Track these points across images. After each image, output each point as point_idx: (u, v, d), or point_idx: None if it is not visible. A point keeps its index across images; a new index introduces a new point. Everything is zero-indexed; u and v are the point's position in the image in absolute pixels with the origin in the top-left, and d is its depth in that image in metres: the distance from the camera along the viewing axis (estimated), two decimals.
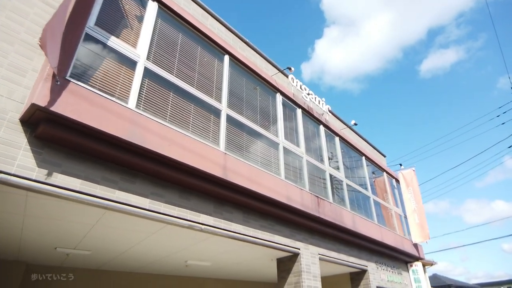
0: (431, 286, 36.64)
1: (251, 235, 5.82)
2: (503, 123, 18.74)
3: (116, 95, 4.37)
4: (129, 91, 4.52)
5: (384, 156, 13.56)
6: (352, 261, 8.40)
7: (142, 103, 4.65)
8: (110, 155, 4.13)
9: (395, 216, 11.20)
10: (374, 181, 11.73)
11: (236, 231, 5.58)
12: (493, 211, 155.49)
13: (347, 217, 8.00)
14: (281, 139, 7.06)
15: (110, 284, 8.53)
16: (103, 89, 4.25)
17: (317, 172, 8.06)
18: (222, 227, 5.36)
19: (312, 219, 7.03)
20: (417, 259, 11.30)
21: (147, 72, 4.90)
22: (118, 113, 4.17)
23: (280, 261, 7.26)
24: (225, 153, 5.42)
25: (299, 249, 6.79)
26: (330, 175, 8.38)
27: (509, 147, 16.12)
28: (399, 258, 10.77)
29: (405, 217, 11.55)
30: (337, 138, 9.51)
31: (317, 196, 7.20)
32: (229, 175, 5.22)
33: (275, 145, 6.91)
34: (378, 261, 9.63)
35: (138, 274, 9.07)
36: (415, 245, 11.21)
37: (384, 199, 11.33)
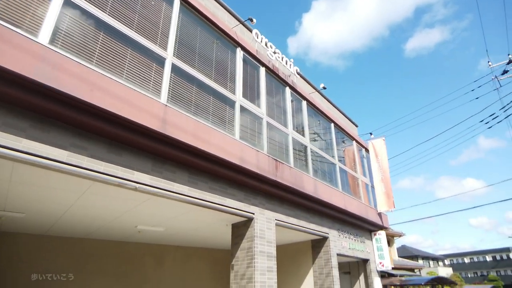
0: (400, 256, 38.23)
1: (198, 197, 5.37)
2: (477, 98, 18.80)
3: (24, 27, 3.65)
4: (40, 23, 3.80)
5: (356, 126, 13.28)
6: (312, 228, 8.19)
7: (60, 40, 3.95)
8: (13, 97, 3.48)
9: (362, 185, 11.06)
10: (343, 150, 11.48)
11: (180, 192, 5.10)
12: (464, 187, 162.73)
13: (308, 183, 7.68)
14: (238, 97, 6.50)
15: (60, 250, 8.04)
16: (6, 18, 3.52)
17: (279, 135, 7.61)
18: (162, 187, 4.87)
19: (269, 183, 6.64)
20: (381, 228, 11.33)
21: (70, 4, 4.16)
22: (24, 48, 3.48)
23: (234, 227, 6.93)
24: (166, 105, 4.83)
25: (253, 213, 6.43)
26: (294, 140, 7.96)
27: (481, 121, 16.08)
28: (363, 227, 10.73)
29: (372, 187, 11.44)
30: (304, 102, 9.03)
31: (276, 160, 6.78)
32: (169, 130, 4.67)
33: (231, 103, 6.35)
34: (341, 229, 9.52)
35: (90, 240, 8.60)
36: (380, 215, 11.18)
37: (353, 168, 11.13)
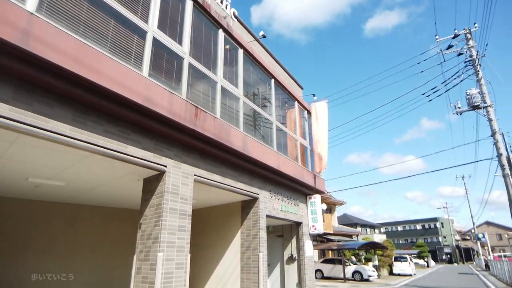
0: (342, 224, 40.07)
1: (86, 140, 4.36)
2: (421, 71, 19.14)
3: None
4: None
5: (301, 88, 12.71)
6: (240, 187, 7.58)
7: None
8: None
9: (300, 148, 10.64)
10: (286, 112, 10.90)
11: (58, 132, 4.06)
12: (405, 164, 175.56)
13: (237, 138, 6.94)
14: (151, 28, 5.40)
15: None
16: None
17: (205, 80, 6.69)
18: (31, 123, 3.80)
19: (187, 133, 5.78)
20: (317, 192, 11.13)
21: None
22: None
23: (146, 181, 6.05)
24: (33, 14, 3.66)
25: (165, 166, 5.58)
26: (224, 89, 7.09)
27: (423, 94, 16.37)
28: (298, 190, 10.42)
29: (311, 150, 11.09)
30: (241, 51, 8.11)
31: (196, 107, 5.90)
32: (34, 46, 3.54)
33: (141, 33, 5.24)
34: (273, 190, 9.06)
35: None
36: (316, 178, 10.93)
37: (293, 130, 10.63)
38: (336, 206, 35.03)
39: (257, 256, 7.85)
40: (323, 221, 27.93)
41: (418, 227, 76.15)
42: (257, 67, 8.91)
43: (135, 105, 4.74)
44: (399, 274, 26.79)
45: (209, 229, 9.44)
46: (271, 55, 10.31)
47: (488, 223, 71.82)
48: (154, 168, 5.47)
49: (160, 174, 5.67)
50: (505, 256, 36.26)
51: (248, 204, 8.46)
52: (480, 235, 43.47)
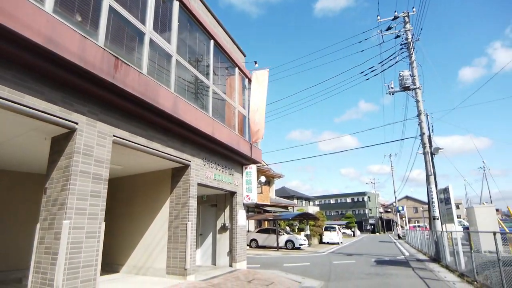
0: (280, 196, 41.37)
1: None
2: (362, 50, 19.69)
3: None
4: None
5: (244, 55, 12.22)
6: (170, 153, 7.06)
7: None
8: None
9: (238, 116, 10.32)
10: (226, 79, 10.39)
11: None
12: (341, 142, 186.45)
13: (166, 99, 6.34)
14: None
15: None
16: None
17: (131, 30, 5.91)
18: None
19: (104, 87, 5.06)
20: (253, 162, 11.01)
21: None
22: None
23: (54, 141, 5.25)
24: None
25: (77, 123, 4.85)
26: (153, 43, 6.36)
27: (361, 72, 16.91)
28: (234, 159, 10.18)
29: (249, 119, 10.82)
30: (176, 3, 7.33)
31: (117, 58, 5.16)
32: None
33: None
34: (207, 158, 8.69)
35: None
36: (253, 148, 10.77)
37: (232, 97, 10.21)
38: (275, 179, 36.00)
39: (185, 225, 7.52)
40: (261, 193, 28.55)
41: (348, 200, 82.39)
42: (195, 24, 8.20)
43: (33, 45, 3.91)
44: (328, 243, 28.75)
45: (137, 198, 8.84)
46: (212, 14, 9.60)
47: (407, 198, 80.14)
48: (62, 125, 4.72)
49: (70, 133, 4.93)
50: (419, 226, 40.89)
51: (179, 171, 8.00)
52: (400, 208, 48.36)
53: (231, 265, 9.95)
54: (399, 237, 42.41)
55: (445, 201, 11.45)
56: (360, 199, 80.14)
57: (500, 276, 6.42)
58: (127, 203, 8.99)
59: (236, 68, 10.53)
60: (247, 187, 10.72)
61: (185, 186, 7.81)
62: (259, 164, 29.96)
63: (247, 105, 11.04)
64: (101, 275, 8.14)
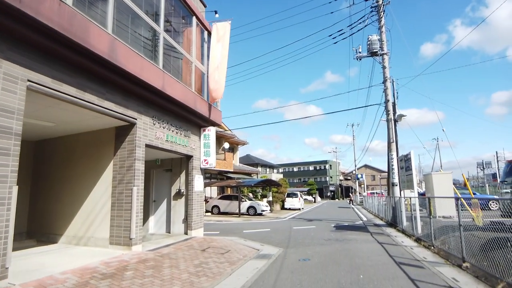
0: (245, 164, 41.05)
1: None
2: (332, 12, 18.83)
3: None
4: None
5: (205, 6, 10.95)
6: (109, 107, 6.04)
7: None
8: None
9: (196, 72, 9.30)
10: (183, 31, 9.20)
11: None
12: (307, 112, 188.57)
13: (101, 40, 5.24)
14: None
15: None
16: None
17: None
18: None
19: (7, 13, 3.89)
20: (212, 124, 10.17)
21: None
22: None
23: None
24: None
25: None
26: None
27: (330, 35, 16.20)
28: (191, 120, 9.27)
29: (208, 76, 9.82)
30: None
31: None
32: None
33: None
34: (158, 117, 7.73)
35: None
36: (212, 109, 9.90)
37: (189, 51, 9.11)
38: (239, 146, 35.46)
39: (130, 190, 6.68)
40: (225, 159, 27.93)
41: (311, 168, 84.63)
42: None
43: None
44: (289, 208, 29.20)
45: (77, 160, 7.76)
46: None
47: (366, 166, 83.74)
48: None
49: None
50: (376, 193, 42.82)
51: (124, 130, 7.01)
52: (359, 176, 50.23)
53: (186, 233, 9.35)
54: (350, 202, 44.77)
55: (406, 167, 11.44)
56: (322, 167, 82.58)
57: (460, 241, 6.32)
58: (66, 166, 7.90)
59: (194, 18, 9.34)
60: (205, 150, 9.94)
61: (131, 147, 6.88)
62: (221, 130, 29.15)
63: (206, 61, 9.99)
64: (35, 246, 7.23)
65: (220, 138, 29.81)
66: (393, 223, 13.84)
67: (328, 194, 76.08)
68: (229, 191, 28.99)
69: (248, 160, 54.71)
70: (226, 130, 29.25)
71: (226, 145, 29.39)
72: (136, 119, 6.86)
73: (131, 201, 6.63)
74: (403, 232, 11.37)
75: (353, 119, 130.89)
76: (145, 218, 10.24)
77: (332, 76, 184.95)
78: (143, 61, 6.44)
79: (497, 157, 50.44)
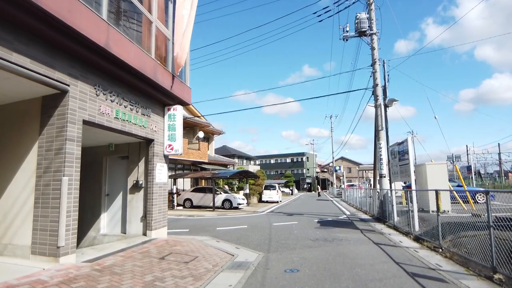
0: (220, 155, 39.30)
1: None
2: None
3: None
4: None
5: None
6: (21, 63, 4.23)
7: None
8: None
9: (157, 36, 7.50)
10: None
11: None
12: (284, 105, 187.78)
13: None
14: None
15: None
16: None
17: None
18: None
19: None
20: (180, 102, 8.44)
21: None
22: None
23: None
24: None
25: None
26: None
27: (314, 13, 14.74)
28: (151, 94, 7.51)
29: (173, 43, 8.06)
30: None
31: None
32: None
33: None
34: (104, 86, 5.93)
35: None
36: (179, 84, 8.16)
37: (150, 9, 7.29)
38: (215, 136, 33.63)
39: (59, 181, 4.91)
40: (199, 149, 26.08)
41: (288, 160, 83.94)
42: None
43: None
44: (267, 201, 27.85)
45: None
46: None
47: (342, 159, 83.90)
48: None
49: None
50: (353, 185, 42.36)
51: (53, 101, 5.19)
52: (337, 168, 49.71)
53: (145, 234, 7.65)
54: (319, 195, 44.48)
55: (400, 156, 10.20)
56: (299, 159, 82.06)
57: (484, 244, 5.04)
58: None
59: None
60: (169, 134, 8.21)
61: (61, 124, 5.08)
62: (194, 118, 27.23)
63: (171, 25, 8.20)
64: None
65: (194, 127, 27.90)
66: (381, 218, 12.69)
67: (305, 186, 75.76)
68: (203, 183, 27.25)
69: (224, 151, 52.97)
70: (200, 117, 27.38)
71: (201, 134, 27.52)
72: (68, 85, 5.06)
73: (59, 196, 4.87)
74: (396, 228, 10.18)
75: (332, 110, 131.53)
76: (97, 216, 8.45)
77: (310, 70, 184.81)
78: (75, 3, 4.63)
79: (467, 150, 51.35)
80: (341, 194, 37.79)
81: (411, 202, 8.83)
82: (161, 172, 7.98)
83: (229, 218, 14.62)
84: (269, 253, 6.78)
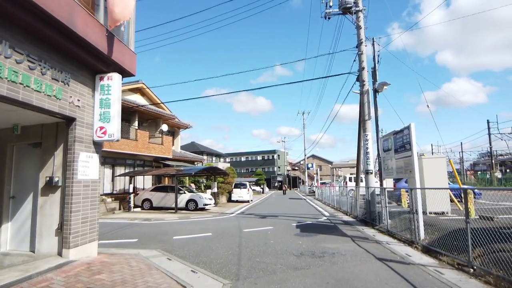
0: (187, 151, 36.66)
1: None
2: None
3: None
4: None
5: None
6: None
7: None
8: None
9: None
10: None
11: None
12: (256, 104, 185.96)
13: None
14: None
15: None
16: None
17: None
18: None
19: None
20: (119, 69, 6.15)
21: None
22: None
23: None
24: None
25: None
26: None
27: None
28: (71, 52, 5.19)
29: None
30: None
31: None
32: None
33: None
34: None
35: None
36: (117, 44, 5.89)
37: None
38: (181, 130, 30.99)
39: None
40: (162, 144, 23.44)
41: (259, 158, 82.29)
42: None
43: None
44: (237, 201, 25.80)
45: None
46: None
47: (313, 156, 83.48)
48: None
49: None
50: (324, 183, 41.29)
51: None
52: (310, 165, 48.56)
53: (60, 253, 5.33)
54: (284, 193, 43.59)
55: (398, 147, 8.49)
56: (270, 157, 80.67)
57: None
58: None
59: None
60: (102, 112, 5.90)
61: None
62: (161, 111, 24.44)
63: None
64: None
65: (157, 119, 25.23)
66: (367, 220, 11.03)
67: (276, 184, 74.49)
68: (166, 181, 24.69)
69: (193, 148, 50.29)
70: (162, 107, 24.79)
71: (164, 127, 24.89)
72: None
73: None
74: (391, 235, 8.49)
75: (305, 106, 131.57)
76: None
77: (282, 70, 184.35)
78: None
79: (432, 149, 52.09)
80: (314, 192, 36.46)
81: (416, 203, 7.11)
82: (87, 165, 5.66)
83: (192, 222, 12.39)
84: (238, 281, 4.70)
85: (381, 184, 10.13)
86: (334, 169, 67.23)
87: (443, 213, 9.52)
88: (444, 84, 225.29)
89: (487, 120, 41.09)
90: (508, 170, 47.29)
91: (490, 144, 41.86)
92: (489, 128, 41.61)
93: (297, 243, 7.62)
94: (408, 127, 7.71)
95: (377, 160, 10.80)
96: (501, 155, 49.79)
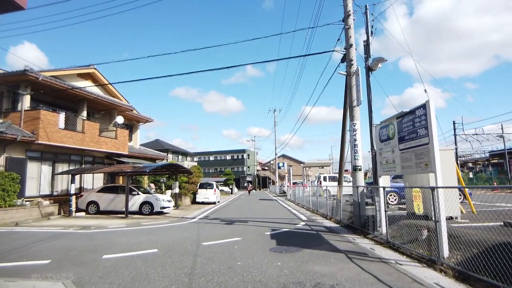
0: (150, 148, 33.46)
1: None
2: None
3: None
4: None
5: None
6: None
7: None
8: None
9: None
10: None
11: None
12: (226, 104, 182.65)
13: None
14: None
15: None
16: None
17: None
18: None
19: None
20: None
21: None
22: None
23: None
24: None
25: None
26: None
27: None
28: None
29: None
30: None
31: None
32: None
33: None
34: None
35: None
36: None
37: None
38: (140, 124, 27.91)
39: None
40: (116, 138, 20.40)
41: (228, 157, 79.75)
42: None
43: None
44: (203, 202, 23.28)
45: None
46: None
47: (284, 156, 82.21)
48: None
49: None
50: (296, 183, 39.62)
51: None
52: (281, 164, 46.84)
53: None
54: (249, 193, 41.36)
55: (406, 134, 6.53)
56: (240, 157, 78.45)
57: None
58: None
59: None
60: None
61: None
62: (116, 101, 21.29)
63: None
64: None
65: (111, 110, 22.09)
66: (356, 226, 9.09)
67: (245, 184, 72.29)
68: (121, 181, 21.68)
69: (157, 145, 46.85)
70: (117, 95, 21.78)
71: (120, 119, 21.82)
72: None
73: None
74: (394, 248, 6.53)
75: (276, 104, 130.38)
76: None
77: (253, 71, 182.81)
78: None
79: None
80: (285, 193, 34.64)
81: (438, 208, 5.14)
82: None
83: (139, 232, 9.85)
84: None
85: (376, 183, 8.18)
86: (305, 168, 66.14)
87: (451, 218, 7.73)
88: (407, 89, 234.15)
89: (453, 122, 41.34)
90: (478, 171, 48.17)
91: (456, 145, 42.22)
92: (454, 129, 41.91)
93: (275, 264, 5.41)
94: (423, 106, 5.73)
95: (370, 153, 8.87)
96: (462, 156, 50.73)
